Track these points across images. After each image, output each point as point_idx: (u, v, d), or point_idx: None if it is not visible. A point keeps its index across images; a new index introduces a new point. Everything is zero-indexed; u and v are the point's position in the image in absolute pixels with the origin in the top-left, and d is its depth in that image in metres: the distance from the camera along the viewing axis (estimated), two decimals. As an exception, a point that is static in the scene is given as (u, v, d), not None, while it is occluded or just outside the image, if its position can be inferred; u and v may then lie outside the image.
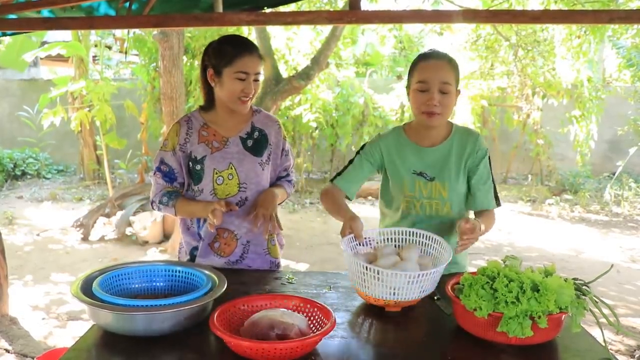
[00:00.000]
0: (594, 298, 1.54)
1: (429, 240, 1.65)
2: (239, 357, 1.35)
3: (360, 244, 1.77)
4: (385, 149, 2.08)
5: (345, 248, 1.54)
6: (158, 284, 1.79)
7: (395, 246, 1.69)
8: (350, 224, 1.79)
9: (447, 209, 2.04)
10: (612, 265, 1.83)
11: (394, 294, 1.40)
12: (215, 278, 1.70)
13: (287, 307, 1.54)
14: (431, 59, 1.94)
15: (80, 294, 1.54)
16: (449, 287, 1.62)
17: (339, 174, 2.14)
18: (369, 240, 1.74)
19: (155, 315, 1.44)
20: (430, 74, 1.90)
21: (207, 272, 1.75)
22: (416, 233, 1.67)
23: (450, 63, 1.94)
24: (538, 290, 1.44)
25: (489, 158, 2.08)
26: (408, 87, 2.02)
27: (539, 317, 1.41)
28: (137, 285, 1.77)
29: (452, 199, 2.04)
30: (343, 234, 1.79)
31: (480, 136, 2.08)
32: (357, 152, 2.14)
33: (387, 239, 1.72)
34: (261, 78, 2.06)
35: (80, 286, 1.59)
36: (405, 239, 1.70)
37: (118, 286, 1.72)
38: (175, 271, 1.80)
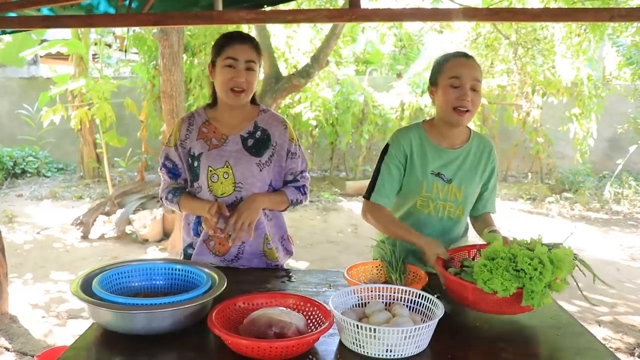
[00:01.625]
0: (577, 261, 1.67)
1: (418, 297, 1.60)
2: (237, 355, 1.35)
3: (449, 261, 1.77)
4: (408, 149, 2.03)
5: (334, 306, 1.49)
6: (158, 282, 1.79)
7: (383, 302, 1.63)
8: (436, 252, 1.79)
9: (459, 212, 2.07)
10: (571, 233, 1.93)
11: (389, 350, 1.38)
12: (216, 276, 1.69)
13: (285, 305, 1.54)
14: (462, 57, 1.95)
15: (79, 293, 1.53)
16: (447, 276, 1.64)
17: (371, 189, 2.06)
18: (355, 293, 1.62)
19: (155, 313, 1.44)
20: (464, 70, 1.90)
21: (207, 270, 1.74)
22: (405, 290, 1.63)
23: (477, 63, 1.97)
24: (552, 263, 1.51)
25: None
26: (433, 83, 2.01)
27: (555, 285, 1.52)
28: (136, 284, 1.76)
29: (465, 203, 2.07)
30: (432, 261, 1.78)
31: (493, 148, 2.13)
32: (381, 159, 2.07)
33: (375, 295, 1.62)
34: (257, 69, 2.02)
35: (80, 284, 1.59)
36: (392, 296, 1.62)
37: (118, 284, 1.71)
38: (175, 269, 1.79)
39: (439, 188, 2.02)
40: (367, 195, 2.07)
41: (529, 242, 1.65)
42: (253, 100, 2.13)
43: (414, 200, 2.05)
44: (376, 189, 2.05)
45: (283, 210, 2.18)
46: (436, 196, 2.02)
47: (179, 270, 1.79)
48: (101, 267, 1.74)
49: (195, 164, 2.08)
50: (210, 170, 2.05)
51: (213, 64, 2.03)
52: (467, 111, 1.90)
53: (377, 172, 2.07)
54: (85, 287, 1.58)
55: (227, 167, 2.05)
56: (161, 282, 1.79)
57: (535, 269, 1.49)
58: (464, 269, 1.68)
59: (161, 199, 2.17)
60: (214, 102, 2.13)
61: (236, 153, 2.06)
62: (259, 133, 2.10)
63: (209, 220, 1.89)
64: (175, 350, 1.43)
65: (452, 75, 1.90)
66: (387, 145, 2.08)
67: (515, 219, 7.39)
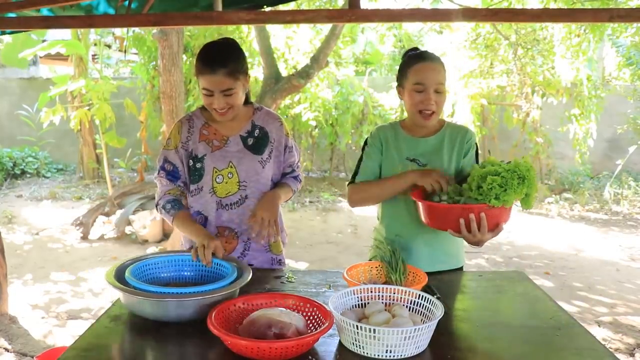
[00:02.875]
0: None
1: (417, 298, 1.60)
2: (237, 356, 1.35)
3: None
4: (384, 138, 2.16)
5: (334, 306, 1.49)
6: (186, 273, 1.89)
7: (383, 303, 1.63)
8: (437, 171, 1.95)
9: None
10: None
11: (389, 351, 1.38)
12: (241, 268, 1.79)
13: (285, 306, 1.55)
14: (425, 61, 2.02)
15: (114, 281, 1.62)
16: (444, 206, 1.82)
17: (355, 174, 2.19)
18: (355, 294, 1.63)
19: (185, 302, 1.53)
20: (427, 76, 1.99)
21: (233, 263, 1.83)
22: (404, 291, 1.63)
23: (441, 64, 2.05)
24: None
25: (477, 151, 2.14)
26: (400, 85, 2.11)
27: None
28: (165, 275, 1.86)
29: None
30: (436, 177, 1.92)
31: (470, 130, 2.16)
32: (363, 150, 2.21)
33: (375, 295, 1.63)
34: (239, 88, 1.99)
35: (114, 274, 1.68)
36: (392, 297, 1.63)
37: (148, 275, 1.82)
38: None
39: None
40: (352, 180, 2.19)
41: (494, 162, 1.84)
42: (246, 100, 2.15)
43: None
44: (360, 172, 2.17)
45: (287, 201, 2.27)
46: None
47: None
48: (132, 259, 1.83)
49: (198, 165, 2.09)
50: (216, 172, 2.08)
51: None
52: (432, 113, 2.01)
53: (359, 161, 2.21)
54: (119, 277, 1.68)
55: (231, 167, 2.09)
56: (189, 273, 1.88)
57: (530, 174, 1.73)
58: (448, 199, 1.88)
59: (157, 205, 2.12)
60: None
61: (238, 153, 2.10)
62: (257, 131, 2.14)
63: (201, 251, 1.84)
64: (174, 352, 1.43)
65: (416, 82, 2.00)
66: (366, 140, 2.23)
67: (515, 220, 7.38)
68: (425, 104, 1.99)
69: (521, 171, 1.72)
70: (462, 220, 1.76)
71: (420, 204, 1.89)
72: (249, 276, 1.71)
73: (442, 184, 1.91)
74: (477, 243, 1.82)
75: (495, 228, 1.79)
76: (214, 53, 1.99)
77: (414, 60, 2.05)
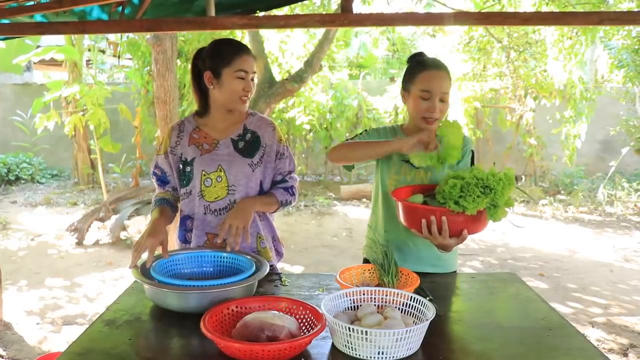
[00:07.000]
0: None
1: (410, 300, 1.61)
2: (230, 358, 1.35)
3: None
4: (384, 136, 2.19)
5: (327, 309, 1.50)
6: (207, 268, 1.97)
7: (375, 305, 1.65)
8: (417, 136, 1.90)
9: None
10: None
11: (381, 353, 1.39)
12: (259, 261, 1.89)
13: (278, 309, 1.55)
14: (433, 69, 2.04)
15: (140, 276, 1.71)
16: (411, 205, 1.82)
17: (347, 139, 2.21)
18: (347, 296, 1.63)
19: (208, 294, 1.61)
20: (434, 85, 2.01)
21: (249, 257, 1.93)
22: (397, 293, 1.65)
23: (448, 73, 2.07)
24: (507, 180, 1.73)
25: (473, 157, 2.16)
26: (405, 89, 2.12)
27: (508, 201, 1.75)
28: (187, 270, 1.94)
29: None
30: (415, 140, 1.89)
31: (467, 136, 2.17)
32: (360, 135, 2.22)
33: (368, 298, 1.64)
34: (256, 78, 2.10)
35: (140, 270, 1.78)
36: (384, 299, 1.63)
37: (171, 271, 1.90)
38: (222, 257, 1.98)
39: (407, 172, 2.13)
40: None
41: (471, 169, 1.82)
42: None
43: (387, 182, 2.16)
44: (354, 138, 2.20)
45: (273, 212, 2.22)
46: (404, 179, 2.13)
47: (225, 257, 1.97)
48: (156, 256, 1.89)
49: (188, 169, 2.10)
50: (204, 175, 2.08)
51: (213, 70, 2.03)
52: (435, 119, 2.03)
53: (355, 136, 2.23)
54: (143, 273, 1.77)
55: (220, 170, 2.08)
56: (210, 268, 1.97)
57: (499, 185, 1.69)
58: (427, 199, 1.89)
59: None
60: (203, 110, 2.15)
61: (228, 156, 2.09)
62: (248, 135, 2.14)
63: (139, 249, 1.84)
64: (170, 356, 1.44)
65: (423, 89, 2.02)
66: (365, 130, 2.25)
67: (509, 222, 7.40)
68: (430, 111, 2.01)
69: (488, 181, 1.70)
70: (423, 221, 1.78)
71: (397, 203, 1.92)
72: (266, 270, 1.80)
73: (431, 144, 1.90)
74: (442, 247, 1.83)
75: (459, 235, 1.78)
76: (235, 40, 2.10)
77: (422, 66, 2.06)
